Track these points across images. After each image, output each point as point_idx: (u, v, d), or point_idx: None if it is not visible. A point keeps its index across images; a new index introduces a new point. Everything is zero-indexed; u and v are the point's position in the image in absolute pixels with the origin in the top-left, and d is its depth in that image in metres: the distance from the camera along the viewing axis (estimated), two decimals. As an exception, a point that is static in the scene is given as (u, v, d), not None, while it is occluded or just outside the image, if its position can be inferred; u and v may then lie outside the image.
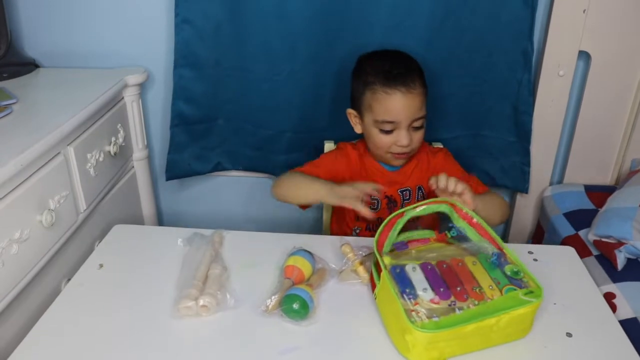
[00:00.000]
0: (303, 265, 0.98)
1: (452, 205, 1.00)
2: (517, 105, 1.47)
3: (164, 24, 1.49)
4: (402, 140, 1.15)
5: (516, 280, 0.88)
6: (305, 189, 1.14)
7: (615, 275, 1.18)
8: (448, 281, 0.88)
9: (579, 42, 1.41)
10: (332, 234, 1.41)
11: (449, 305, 0.84)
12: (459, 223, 1.00)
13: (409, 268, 0.90)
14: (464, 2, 1.37)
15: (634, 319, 1.05)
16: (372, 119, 1.17)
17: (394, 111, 1.13)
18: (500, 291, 0.86)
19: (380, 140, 1.18)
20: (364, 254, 1.02)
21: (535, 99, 1.47)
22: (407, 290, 0.85)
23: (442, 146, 1.38)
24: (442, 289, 0.86)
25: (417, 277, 0.88)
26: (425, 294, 0.85)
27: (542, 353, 0.85)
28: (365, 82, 1.17)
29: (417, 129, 1.17)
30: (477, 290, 0.86)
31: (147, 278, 1.01)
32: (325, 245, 1.08)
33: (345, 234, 1.31)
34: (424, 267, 0.90)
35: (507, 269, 0.90)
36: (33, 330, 0.89)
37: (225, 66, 1.47)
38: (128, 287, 0.99)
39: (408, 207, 0.98)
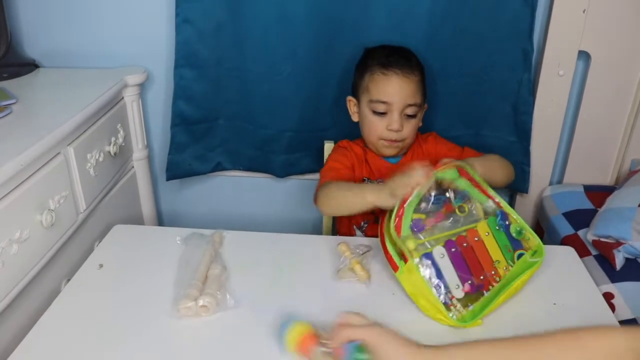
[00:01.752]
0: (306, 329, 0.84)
1: (460, 168, 0.99)
2: (517, 105, 1.47)
3: (164, 24, 1.49)
4: (394, 124, 1.18)
5: (520, 241, 0.96)
6: (353, 199, 1.07)
7: (614, 275, 1.18)
8: (472, 268, 0.93)
9: (579, 42, 1.41)
10: (337, 230, 1.41)
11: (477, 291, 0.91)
12: (461, 184, 0.98)
13: (437, 254, 0.92)
14: (463, 2, 1.37)
15: (633, 320, 1.06)
16: (367, 99, 1.21)
17: (389, 91, 1.18)
18: (513, 260, 0.95)
19: (373, 124, 1.21)
20: (360, 253, 1.02)
21: (535, 99, 1.47)
22: (442, 286, 0.90)
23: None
24: (469, 282, 0.91)
25: (447, 266, 0.91)
26: (457, 291, 0.90)
27: (542, 353, 0.85)
28: (366, 66, 1.23)
29: (409, 117, 1.20)
30: (495, 276, 0.94)
31: (147, 278, 1.01)
32: (325, 245, 1.09)
33: (349, 231, 1.32)
34: (449, 250, 0.93)
35: (512, 229, 0.97)
36: (33, 330, 0.89)
37: (226, 66, 1.47)
38: (128, 287, 0.99)
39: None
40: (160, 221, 1.76)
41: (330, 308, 0.94)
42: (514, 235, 0.97)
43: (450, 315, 0.87)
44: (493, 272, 0.93)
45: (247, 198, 1.74)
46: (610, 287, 1.14)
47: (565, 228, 1.39)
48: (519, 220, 0.97)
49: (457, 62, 1.43)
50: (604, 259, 1.22)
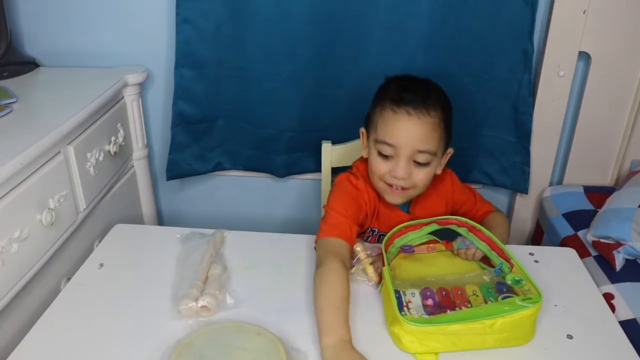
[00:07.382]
0: None
1: (466, 224, 1.03)
2: (517, 106, 1.47)
3: (164, 24, 1.49)
4: (398, 170, 1.03)
5: (512, 288, 0.91)
6: (319, 318, 0.89)
7: (614, 276, 1.18)
8: (442, 302, 0.90)
9: (579, 42, 1.41)
10: None
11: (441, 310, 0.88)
12: (470, 237, 1.02)
13: (409, 294, 0.91)
14: (464, 3, 1.37)
15: (633, 320, 1.06)
16: (374, 137, 1.07)
17: (396, 134, 1.02)
18: (497, 300, 0.89)
19: (376, 165, 1.07)
20: (374, 255, 1.03)
21: (535, 100, 1.47)
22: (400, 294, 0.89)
23: None
24: (431, 298, 0.90)
25: (415, 303, 0.90)
26: (415, 297, 0.90)
27: (543, 355, 0.85)
28: (379, 98, 1.09)
29: (420, 165, 1.04)
30: (467, 303, 0.90)
31: (147, 278, 1.01)
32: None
33: None
34: (424, 294, 0.91)
35: (509, 277, 0.92)
36: (33, 329, 0.89)
37: (226, 66, 1.47)
38: (128, 286, 0.99)
39: (424, 221, 1.04)
40: (160, 221, 1.76)
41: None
42: (509, 282, 0.91)
43: (402, 313, 0.84)
44: (466, 302, 0.89)
45: (247, 198, 1.74)
46: (610, 288, 1.14)
47: (565, 229, 1.39)
48: (523, 273, 0.91)
49: (457, 62, 1.43)
50: (604, 260, 1.22)
